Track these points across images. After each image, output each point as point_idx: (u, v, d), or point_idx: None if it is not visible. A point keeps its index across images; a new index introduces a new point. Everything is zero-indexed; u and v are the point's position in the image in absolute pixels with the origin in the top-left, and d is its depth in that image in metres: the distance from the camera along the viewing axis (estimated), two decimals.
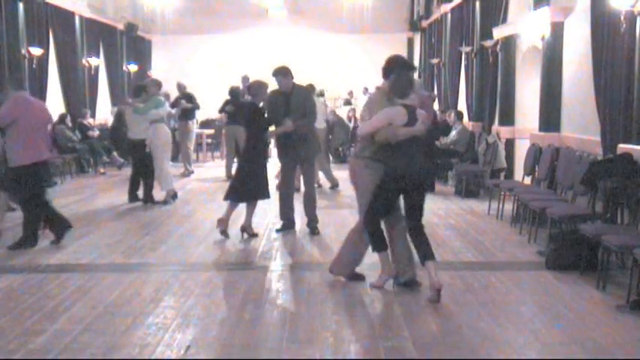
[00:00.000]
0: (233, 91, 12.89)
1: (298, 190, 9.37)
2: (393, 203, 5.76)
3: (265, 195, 7.83)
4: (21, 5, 12.15)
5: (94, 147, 14.40)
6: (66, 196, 11.02)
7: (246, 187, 7.69)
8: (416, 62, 20.01)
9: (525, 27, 9.83)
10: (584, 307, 5.27)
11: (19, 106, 7.21)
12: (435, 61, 16.46)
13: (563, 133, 8.73)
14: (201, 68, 19.79)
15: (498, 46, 11.16)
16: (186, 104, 13.77)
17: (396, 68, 5.83)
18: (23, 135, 7.16)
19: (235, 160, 12.13)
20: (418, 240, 5.63)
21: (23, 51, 12.25)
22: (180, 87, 14.24)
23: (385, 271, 5.77)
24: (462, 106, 13.63)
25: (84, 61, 15.78)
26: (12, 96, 7.27)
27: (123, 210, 9.86)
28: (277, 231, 8.07)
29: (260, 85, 7.91)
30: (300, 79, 8.24)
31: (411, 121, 5.54)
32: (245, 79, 13.60)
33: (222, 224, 7.78)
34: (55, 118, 14.05)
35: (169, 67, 19.86)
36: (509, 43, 10.84)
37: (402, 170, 5.54)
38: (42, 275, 6.18)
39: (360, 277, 5.97)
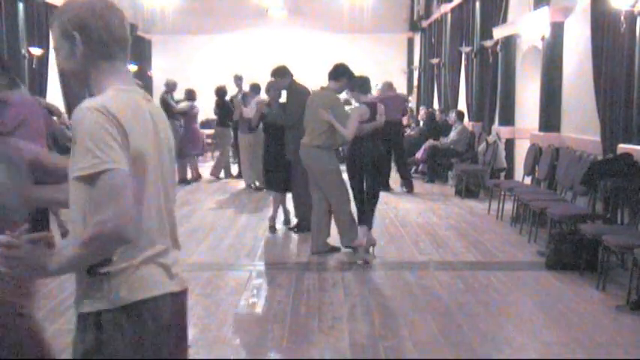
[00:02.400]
0: (219, 91, 12.90)
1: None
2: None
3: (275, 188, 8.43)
4: (21, 5, 12.13)
5: None
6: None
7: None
8: (416, 62, 20.01)
9: (525, 27, 9.82)
10: (584, 307, 5.27)
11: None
12: (435, 61, 16.44)
13: (563, 133, 8.73)
14: (202, 68, 19.75)
15: (498, 46, 11.15)
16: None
17: (347, 72, 6.83)
18: None
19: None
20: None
21: (23, 51, 12.23)
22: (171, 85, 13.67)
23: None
24: (462, 106, 13.62)
25: None
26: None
27: None
28: (289, 229, 8.19)
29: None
30: (299, 79, 8.24)
31: (373, 116, 6.63)
32: (238, 78, 13.30)
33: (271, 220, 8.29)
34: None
35: (169, 67, 19.83)
36: (509, 43, 10.83)
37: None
38: None
39: (335, 249, 6.91)
